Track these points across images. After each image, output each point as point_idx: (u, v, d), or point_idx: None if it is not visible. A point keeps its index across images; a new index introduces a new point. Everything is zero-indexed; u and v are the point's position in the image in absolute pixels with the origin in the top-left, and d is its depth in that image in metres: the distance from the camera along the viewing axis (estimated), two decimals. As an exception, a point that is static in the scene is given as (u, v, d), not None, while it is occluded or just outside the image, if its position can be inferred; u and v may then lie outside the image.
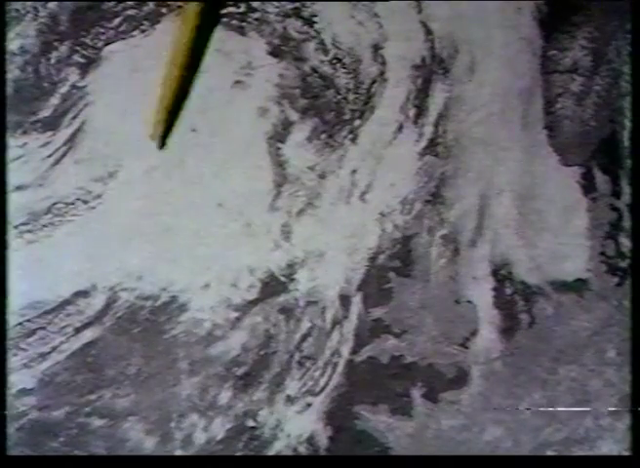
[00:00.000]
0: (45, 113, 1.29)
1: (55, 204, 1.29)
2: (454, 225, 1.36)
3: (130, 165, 1.30)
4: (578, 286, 1.37)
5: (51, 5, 1.29)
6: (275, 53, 1.33)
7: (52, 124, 1.29)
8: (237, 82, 1.33)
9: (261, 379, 1.31)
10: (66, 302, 1.28)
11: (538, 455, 1.35)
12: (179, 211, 1.31)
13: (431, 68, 1.36)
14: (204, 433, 1.29)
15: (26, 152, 1.28)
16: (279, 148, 1.33)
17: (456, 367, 1.35)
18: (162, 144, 1.29)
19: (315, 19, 1.34)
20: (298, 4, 1.33)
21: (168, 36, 1.31)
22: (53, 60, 1.29)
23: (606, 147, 1.39)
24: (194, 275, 1.30)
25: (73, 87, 1.29)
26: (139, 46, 1.31)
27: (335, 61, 1.34)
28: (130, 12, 1.31)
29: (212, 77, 1.32)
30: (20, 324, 1.27)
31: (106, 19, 1.30)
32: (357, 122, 1.34)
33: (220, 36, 1.32)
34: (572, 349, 1.37)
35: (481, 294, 1.35)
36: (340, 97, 1.34)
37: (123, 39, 1.30)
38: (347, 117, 1.34)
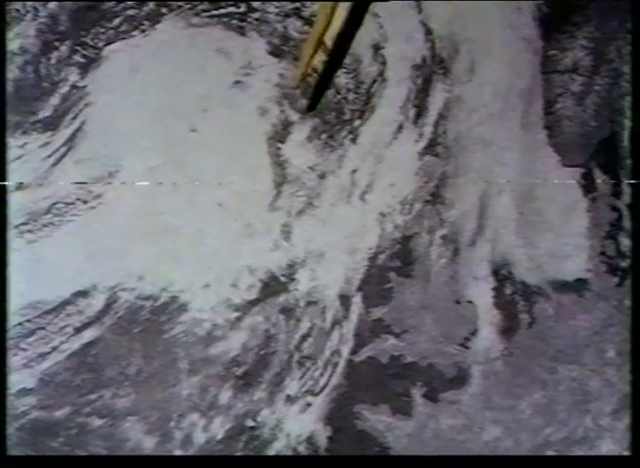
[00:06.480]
0: (45, 113, 1.29)
1: (55, 204, 1.29)
2: (454, 225, 1.36)
3: (130, 165, 1.30)
4: (578, 286, 1.37)
5: (51, 5, 1.29)
6: (275, 53, 1.33)
7: (52, 124, 1.29)
8: (237, 82, 1.33)
9: (261, 379, 1.31)
10: (66, 302, 1.28)
11: (538, 455, 1.35)
12: (179, 211, 1.31)
13: (431, 68, 1.36)
14: (204, 433, 1.29)
15: (26, 152, 1.28)
16: (279, 148, 1.33)
17: (456, 367, 1.35)
18: (311, 108, 1.24)
19: (315, 19, 1.34)
20: (298, 4, 1.33)
21: (168, 36, 1.31)
22: (53, 60, 1.29)
23: (606, 147, 1.39)
24: (194, 275, 1.30)
25: (73, 87, 1.29)
26: (139, 46, 1.31)
27: (335, 61, 1.34)
28: (130, 12, 1.31)
29: (212, 77, 1.32)
30: (19, 324, 1.27)
31: (106, 19, 1.30)
32: (357, 122, 1.34)
33: (219, 36, 1.32)
34: (572, 349, 1.37)
35: (481, 294, 1.35)
36: (339, 96, 1.34)
37: (123, 39, 1.30)
38: (347, 117, 1.34)
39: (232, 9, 1.32)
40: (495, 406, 1.35)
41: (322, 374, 1.32)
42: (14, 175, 1.27)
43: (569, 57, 1.39)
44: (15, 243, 1.27)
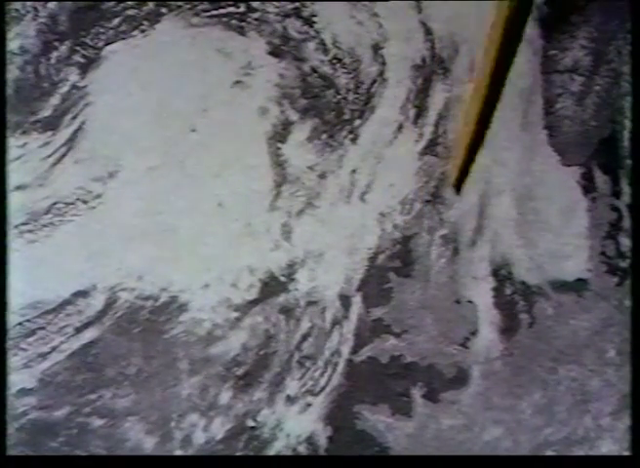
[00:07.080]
0: (45, 113, 1.29)
1: (55, 204, 1.29)
2: (454, 225, 1.36)
3: (130, 165, 1.30)
4: (578, 286, 1.37)
5: (51, 5, 1.29)
6: (275, 53, 1.33)
7: (52, 124, 1.29)
8: (237, 82, 1.33)
9: (261, 379, 1.31)
10: (66, 302, 1.28)
11: (538, 455, 1.35)
12: (179, 211, 1.31)
13: (431, 68, 1.36)
14: (204, 433, 1.29)
15: (26, 152, 1.28)
16: (279, 148, 1.33)
17: (456, 367, 1.35)
18: (458, 190, 1.31)
19: (315, 19, 1.34)
20: (298, 4, 1.33)
21: (168, 36, 1.31)
22: (53, 60, 1.29)
23: (606, 147, 1.39)
24: (194, 275, 1.30)
25: (73, 87, 1.29)
26: (139, 46, 1.31)
27: (335, 61, 1.34)
28: (130, 12, 1.31)
29: (212, 77, 1.32)
30: (19, 324, 1.27)
31: (106, 19, 1.30)
32: (357, 122, 1.34)
33: (219, 36, 1.32)
34: (572, 349, 1.37)
35: (481, 294, 1.35)
36: (339, 97, 1.34)
37: (123, 39, 1.31)
38: (347, 117, 1.34)
39: (232, 9, 1.32)
40: (495, 406, 1.35)
41: (322, 374, 1.32)
42: (14, 175, 1.28)
43: (569, 57, 1.39)
44: (15, 243, 1.27)
